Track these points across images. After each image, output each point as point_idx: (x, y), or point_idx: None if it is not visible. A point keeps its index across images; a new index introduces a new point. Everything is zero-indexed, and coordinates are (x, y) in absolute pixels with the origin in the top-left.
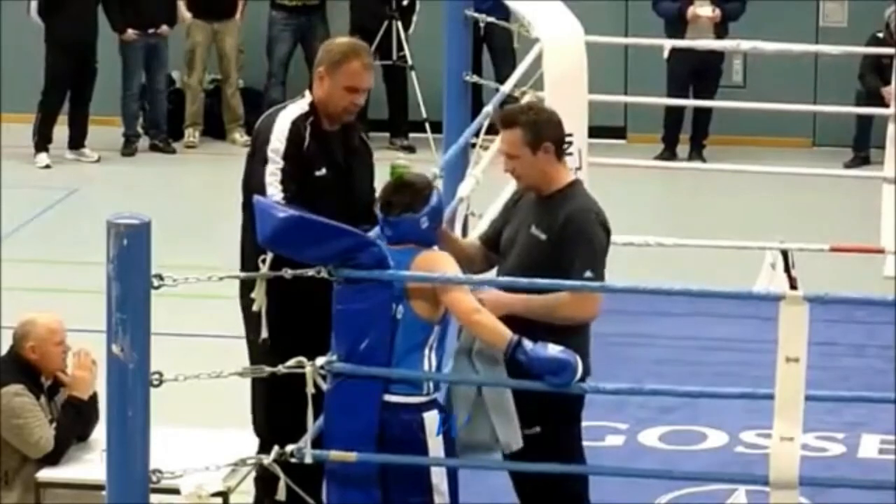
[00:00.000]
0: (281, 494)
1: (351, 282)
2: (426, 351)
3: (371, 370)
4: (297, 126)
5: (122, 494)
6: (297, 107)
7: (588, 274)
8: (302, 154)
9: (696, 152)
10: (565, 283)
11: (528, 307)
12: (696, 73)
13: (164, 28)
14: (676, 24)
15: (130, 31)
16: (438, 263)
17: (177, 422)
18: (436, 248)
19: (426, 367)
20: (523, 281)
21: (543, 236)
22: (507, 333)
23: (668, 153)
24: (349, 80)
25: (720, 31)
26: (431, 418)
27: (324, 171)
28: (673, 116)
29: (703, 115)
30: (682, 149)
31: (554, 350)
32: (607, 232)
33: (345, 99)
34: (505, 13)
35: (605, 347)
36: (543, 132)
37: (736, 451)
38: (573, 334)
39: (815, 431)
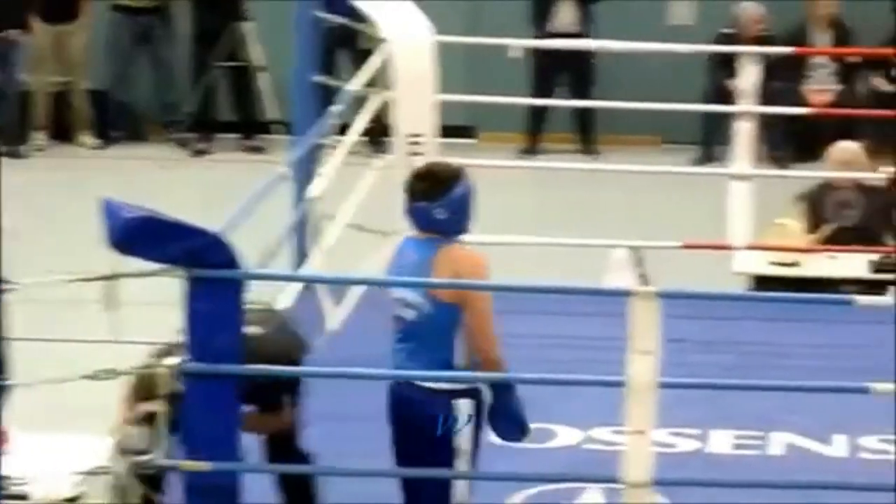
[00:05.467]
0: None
1: (200, 281)
2: (458, 332)
3: (225, 368)
4: None
5: None
6: None
7: None
8: None
9: (588, 147)
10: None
11: None
12: (562, 67)
13: (12, 32)
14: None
15: None
16: (466, 261)
17: (32, 428)
18: (461, 241)
19: (455, 360)
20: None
21: None
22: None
23: (530, 150)
24: None
25: (584, 10)
26: (464, 406)
27: None
28: (536, 112)
29: (581, 111)
30: (541, 146)
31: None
32: None
33: None
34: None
35: None
36: None
37: (588, 448)
38: None
39: (667, 427)
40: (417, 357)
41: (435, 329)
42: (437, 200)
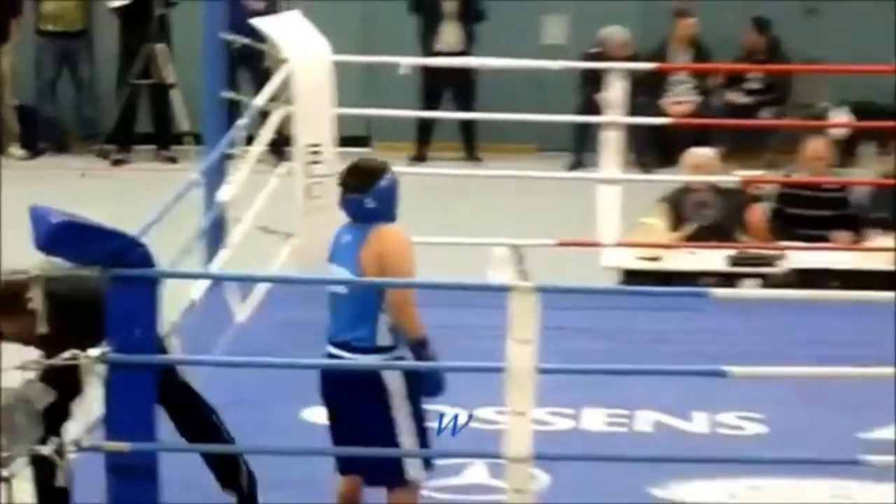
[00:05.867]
0: (61, 480)
1: (119, 279)
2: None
3: (142, 358)
4: None
5: None
6: None
7: None
8: None
9: (471, 155)
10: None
11: None
12: (448, 82)
13: None
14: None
15: None
16: (389, 239)
17: None
18: (392, 225)
19: (382, 328)
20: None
21: None
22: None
23: (419, 158)
24: None
25: (467, 31)
26: (393, 377)
27: None
28: (424, 124)
29: (465, 122)
30: (429, 154)
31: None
32: None
33: None
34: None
35: None
36: None
37: (473, 426)
38: None
39: (545, 407)
40: (348, 330)
41: (362, 303)
42: (367, 192)
